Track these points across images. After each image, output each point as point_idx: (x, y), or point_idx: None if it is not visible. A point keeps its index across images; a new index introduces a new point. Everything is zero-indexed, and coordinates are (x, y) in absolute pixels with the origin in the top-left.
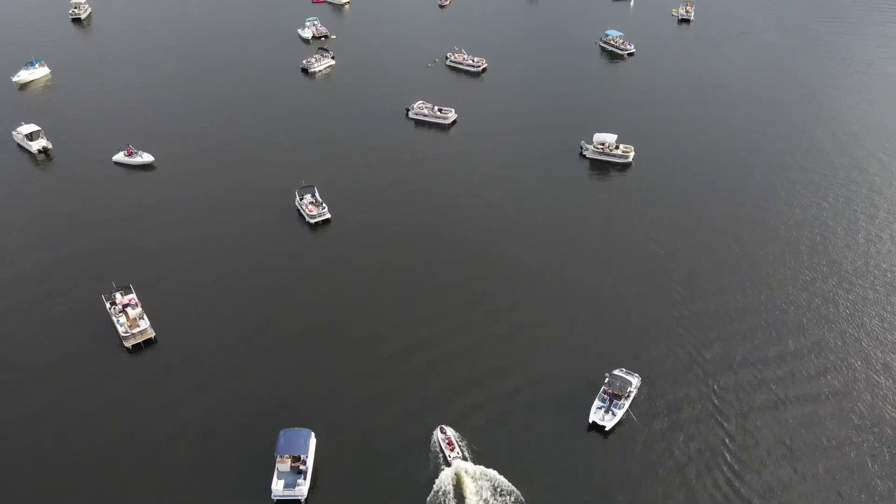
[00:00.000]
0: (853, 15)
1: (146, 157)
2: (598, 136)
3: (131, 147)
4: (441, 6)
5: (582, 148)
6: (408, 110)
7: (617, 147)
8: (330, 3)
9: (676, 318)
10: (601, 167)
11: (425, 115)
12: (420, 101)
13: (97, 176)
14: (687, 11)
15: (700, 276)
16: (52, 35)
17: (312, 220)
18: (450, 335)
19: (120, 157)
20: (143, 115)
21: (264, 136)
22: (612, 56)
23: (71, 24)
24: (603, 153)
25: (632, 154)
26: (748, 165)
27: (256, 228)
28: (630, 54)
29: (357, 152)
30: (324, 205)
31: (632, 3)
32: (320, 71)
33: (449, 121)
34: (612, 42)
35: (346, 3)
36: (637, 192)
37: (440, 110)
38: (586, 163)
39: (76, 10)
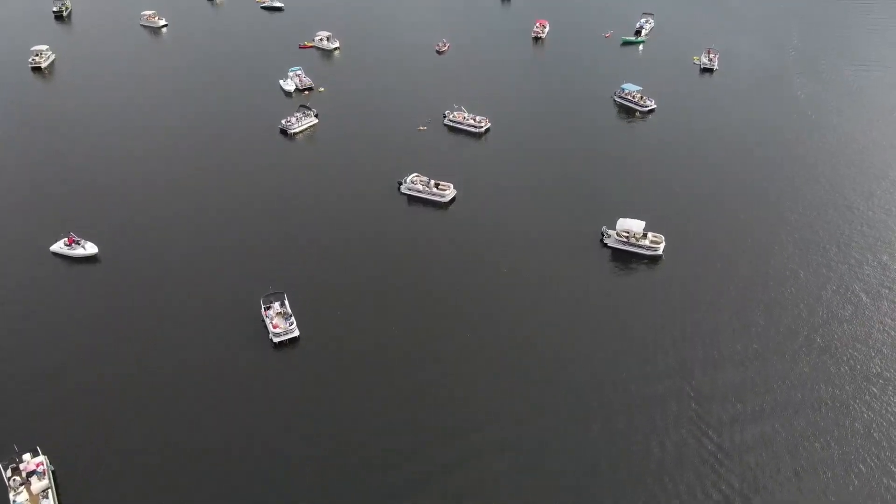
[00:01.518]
0: (891, 60)
1: (89, 248)
2: (623, 223)
3: (73, 234)
4: (438, 52)
5: (603, 234)
6: (400, 184)
7: (644, 236)
8: (318, 48)
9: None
10: (625, 260)
11: (420, 192)
12: (415, 174)
13: (29, 269)
14: (710, 60)
15: (737, 420)
16: (4, 88)
17: (277, 339)
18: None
19: (59, 246)
20: (93, 193)
21: (230, 222)
22: (631, 112)
23: (30, 74)
24: (628, 243)
25: (661, 246)
26: (796, 256)
27: (210, 350)
28: (650, 111)
29: (338, 240)
30: (292, 319)
31: (641, 48)
32: (301, 132)
33: (447, 198)
34: (629, 97)
35: (335, 49)
36: (666, 294)
37: (437, 185)
38: (608, 253)
39: (37, 59)
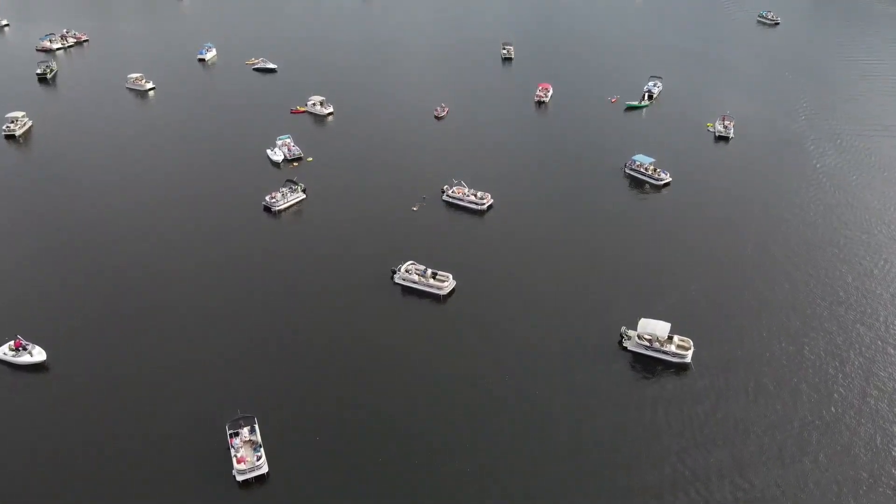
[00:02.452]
0: None
1: (37, 355)
2: (646, 325)
3: (20, 338)
4: (437, 118)
5: (623, 336)
6: (394, 272)
7: (670, 340)
8: (311, 113)
9: None
10: (648, 366)
11: (415, 283)
12: (410, 262)
13: None
14: (725, 127)
15: None
16: None
17: (241, 477)
18: None
19: (3, 351)
20: (47, 288)
21: (199, 322)
22: (643, 185)
23: (2, 142)
24: (651, 348)
25: (690, 353)
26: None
27: (162, 489)
28: (666, 185)
29: (322, 344)
30: (261, 451)
31: (644, 112)
32: (287, 209)
33: (445, 291)
34: (642, 170)
35: (328, 115)
36: (698, 412)
37: (434, 276)
38: (628, 358)
39: (11, 126)
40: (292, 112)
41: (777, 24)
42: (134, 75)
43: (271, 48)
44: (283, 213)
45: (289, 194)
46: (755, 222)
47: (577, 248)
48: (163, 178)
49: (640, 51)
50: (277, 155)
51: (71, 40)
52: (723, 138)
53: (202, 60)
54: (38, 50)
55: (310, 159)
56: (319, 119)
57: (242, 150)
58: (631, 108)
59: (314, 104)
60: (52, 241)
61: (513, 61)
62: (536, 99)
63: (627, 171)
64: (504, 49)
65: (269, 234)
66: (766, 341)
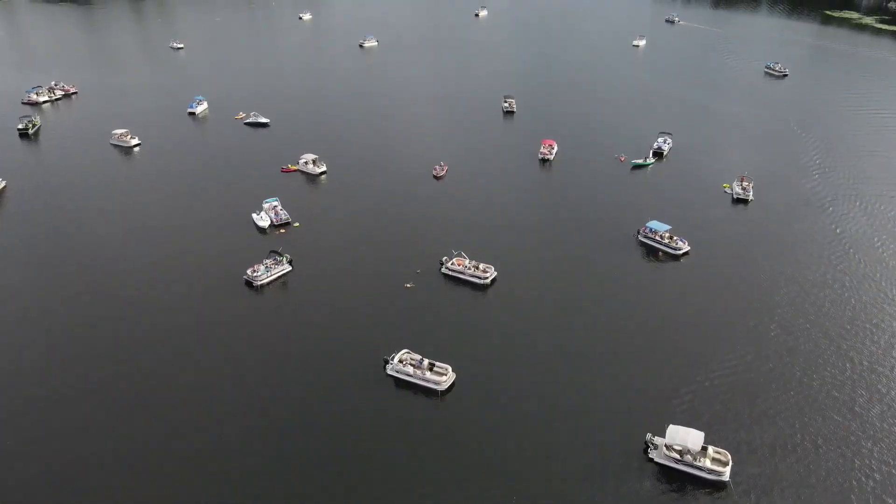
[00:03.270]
0: None
1: None
2: (675, 434)
3: None
4: (436, 177)
5: (648, 445)
6: (386, 362)
7: (704, 452)
8: (302, 172)
9: None
10: (679, 483)
11: (410, 376)
12: (404, 351)
13: None
14: (744, 189)
15: None
16: None
17: None
18: None
19: None
20: (6, 358)
21: (158, 420)
22: (659, 254)
23: None
24: (682, 461)
25: (728, 470)
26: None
27: None
28: (685, 254)
29: (304, 449)
30: None
31: (649, 171)
32: (270, 283)
33: (444, 385)
34: (657, 238)
35: (321, 174)
36: None
37: (432, 368)
38: (654, 472)
39: None
40: (283, 171)
41: (785, 75)
42: (119, 131)
43: (265, 100)
44: (265, 287)
45: (272, 267)
46: (784, 297)
47: (590, 329)
48: (138, 245)
49: (646, 103)
50: (264, 220)
51: (59, 93)
52: (741, 201)
53: (192, 114)
54: (23, 103)
55: (297, 224)
56: (311, 179)
57: (227, 213)
58: (637, 167)
59: (306, 163)
60: (15, 309)
61: (514, 115)
62: (540, 156)
63: (641, 238)
64: (505, 102)
65: (249, 312)
66: (814, 453)
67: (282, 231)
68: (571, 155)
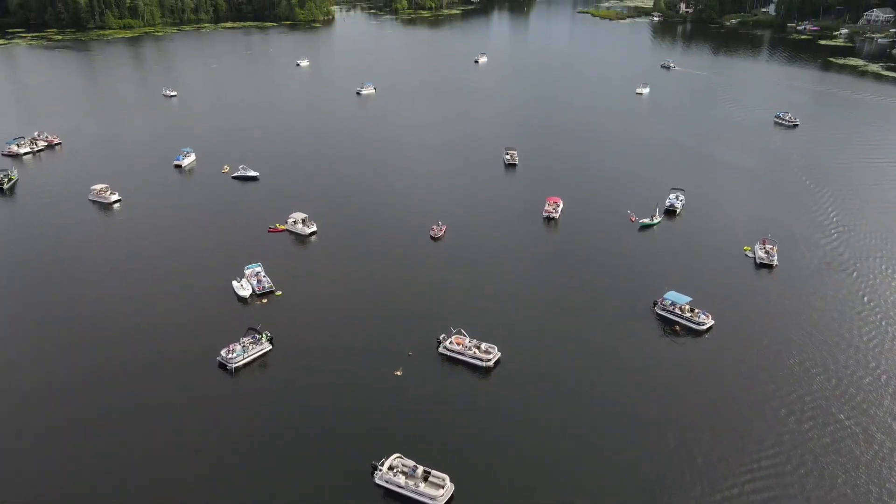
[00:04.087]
0: None
1: None
2: None
3: None
4: (433, 238)
5: None
6: (375, 468)
7: None
8: (291, 232)
9: None
10: None
11: (401, 486)
12: (395, 456)
13: None
14: (767, 253)
15: None
16: None
17: None
18: None
19: None
20: None
21: None
22: (678, 327)
23: None
24: None
25: None
26: None
27: None
28: (708, 329)
29: None
30: None
31: (656, 229)
32: (246, 364)
33: (441, 500)
34: (677, 311)
35: (310, 234)
36: None
37: (426, 477)
38: None
39: None
40: (270, 231)
41: (796, 125)
42: (98, 186)
43: (256, 152)
44: (241, 370)
45: (250, 346)
46: (819, 384)
47: (605, 419)
48: (105, 315)
49: (653, 155)
50: (245, 288)
51: (42, 144)
52: (765, 266)
53: (178, 167)
54: (3, 155)
55: (279, 293)
56: (300, 240)
57: (206, 279)
58: (645, 227)
59: (295, 222)
60: None
61: (516, 167)
62: (545, 214)
63: (659, 311)
64: (507, 154)
65: (220, 400)
66: None
67: (263, 301)
68: (578, 213)
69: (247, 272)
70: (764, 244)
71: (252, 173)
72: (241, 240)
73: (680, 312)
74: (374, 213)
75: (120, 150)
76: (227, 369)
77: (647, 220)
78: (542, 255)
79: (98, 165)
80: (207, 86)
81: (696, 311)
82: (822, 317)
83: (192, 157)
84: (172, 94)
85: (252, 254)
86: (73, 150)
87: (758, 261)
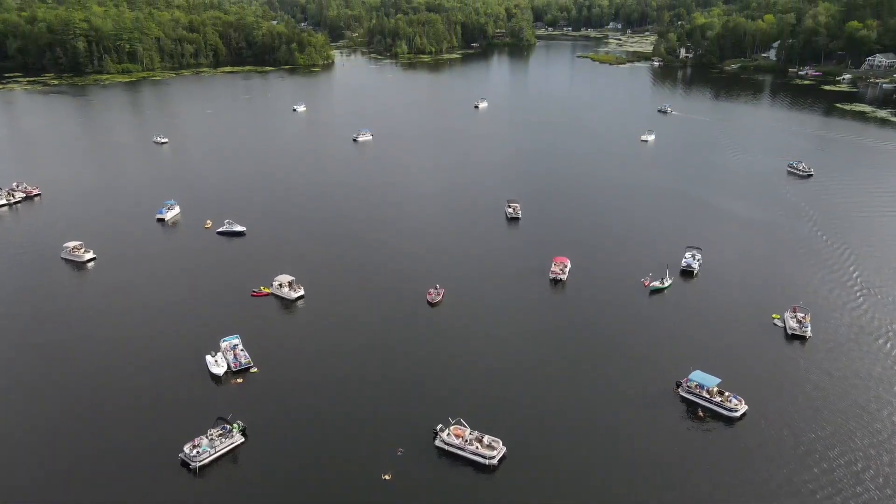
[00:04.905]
0: None
1: None
2: None
3: None
4: (431, 304)
5: None
6: None
7: None
8: (277, 296)
9: None
10: None
11: None
12: None
13: None
14: (800, 323)
15: None
16: None
17: None
18: None
19: None
20: None
21: None
22: (704, 412)
23: None
24: None
25: None
26: None
27: None
28: (742, 416)
29: None
30: None
31: (667, 293)
32: (214, 461)
33: None
34: (704, 395)
35: (297, 299)
36: None
37: None
38: None
39: None
40: (253, 295)
41: (810, 175)
42: (71, 244)
43: (245, 204)
44: (206, 469)
45: (219, 440)
46: (868, 484)
47: None
48: (63, 393)
49: (664, 209)
50: (219, 365)
51: (20, 195)
52: (798, 337)
53: (161, 220)
54: None
55: (254, 370)
56: (285, 305)
57: (178, 352)
58: (656, 291)
59: (280, 285)
60: None
61: (520, 221)
62: (552, 276)
63: (684, 394)
64: (509, 207)
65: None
66: None
67: (239, 380)
68: (587, 274)
69: (223, 345)
70: (795, 312)
71: (238, 228)
72: (222, 305)
73: (708, 396)
74: (368, 273)
75: (102, 201)
76: (189, 468)
77: (657, 284)
78: (549, 324)
79: (76, 219)
80: (200, 132)
81: (727, 394)
82: (864, 398)
83: (177, 209)
84: (163, 140)
85: (231, 322)
86: (53, 201)
87: (789, 331)
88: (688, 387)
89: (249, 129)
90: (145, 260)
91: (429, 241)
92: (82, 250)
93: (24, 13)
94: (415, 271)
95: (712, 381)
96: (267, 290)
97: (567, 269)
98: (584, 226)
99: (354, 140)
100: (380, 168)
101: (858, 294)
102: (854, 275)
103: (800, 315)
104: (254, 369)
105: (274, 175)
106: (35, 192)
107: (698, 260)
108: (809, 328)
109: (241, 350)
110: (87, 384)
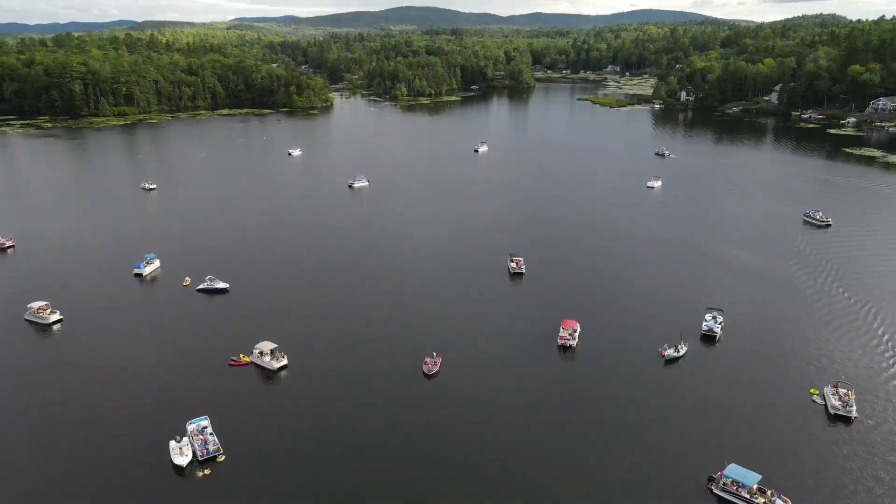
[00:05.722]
0: None
1: None
2: None
3: None
4: (427, 375)
5: None
6: None
7: None
8: (258, 365)
9: None
10: None
11: None
12: None
13: None
14: (843, 401)
15: None
16: None
17: None
18: None
19: None
20: None
21: None
22: None
23: None
24: None
25: None
26: None
27: None
28: None
29: None
30: None
31: (682, 364)
32: None
33: None
34: (743, 494)
35: (279, 370)
36: None
37: None
38: None
39: None
40: (231, 364)
41: (828, 225)
42: (36, 304)
43: (231, 257)
44: None
45: None
46: None
47: None
48: (9, 480)
49: (678, 263)
50: (184, 453)
51: None
52: (842, 418)
53: (139, 275)
54: None
55: (221, 458)
56: (266, 376)
57: (139, 436)
58: (671, 361)
59: (262, 353)
60: None
61: (523, 277)
62: (560, 342)
63: (718, 492)
64: (512, 262)
65: None
66: None
67: (206, 471)
68: (597, 340)
69: (189, 428)
70: (836, 388)
71: (220, 285)
72: (194, 377)
73: (748, 497)
74: (358, 338)
75: (78, 253)
76: None
77: (672, 353)
78: (558, 399)
79: (48, 273)
80: (191, 177)
81: (770, 492)
82: None
83: (156, 263)
84: (152, 187)
85: (203, 397)
86: (24, 253)
87: (831, 411)
88: (723, 484)
89: (242, 175)
90: (116, 322)
91: (425, 300)
92: (48, 311)
93: (22, 56)
94: (410, 335)
95: (753, 479)
96: (247, 359)
97: (577, 334)
98: (593, 282)
99: (350, 186)
100: (375, 217)
101: (890, 356)
102: (888, 342)
103: (842, 391)
104: (221, 458)
105: (263, 224)
106: (8, 243)
107: (720, 323)
108: (854, 407)
109: (211, 434)
110: (22, 482)
